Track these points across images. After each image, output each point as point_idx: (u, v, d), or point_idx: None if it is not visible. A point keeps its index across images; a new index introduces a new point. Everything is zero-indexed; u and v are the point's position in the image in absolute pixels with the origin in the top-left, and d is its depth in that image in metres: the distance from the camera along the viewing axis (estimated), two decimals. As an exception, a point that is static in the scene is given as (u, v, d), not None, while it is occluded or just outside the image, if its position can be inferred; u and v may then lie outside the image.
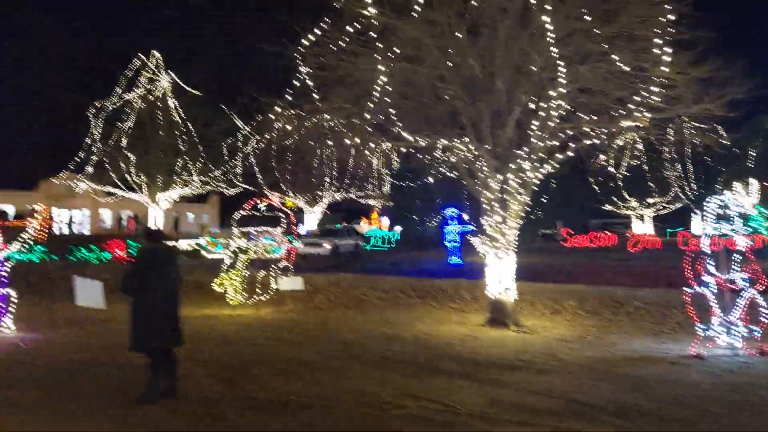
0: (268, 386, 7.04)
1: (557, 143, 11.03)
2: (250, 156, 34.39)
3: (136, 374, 7.21)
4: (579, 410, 6.19)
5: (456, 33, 10.29)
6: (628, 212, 44.66)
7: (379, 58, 9.80)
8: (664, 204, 43.48)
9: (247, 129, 33.81)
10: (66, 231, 41.32)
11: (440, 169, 12.97)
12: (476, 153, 10.86)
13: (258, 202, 14.33)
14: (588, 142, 11.06)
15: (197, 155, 34.08)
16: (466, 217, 24.74)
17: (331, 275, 15.20)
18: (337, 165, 34.53)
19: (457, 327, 11.26)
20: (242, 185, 35.53)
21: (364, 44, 10.72)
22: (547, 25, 8.64)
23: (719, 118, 12.87)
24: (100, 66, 34.06)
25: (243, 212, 13.07)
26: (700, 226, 31.84)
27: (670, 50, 9.25)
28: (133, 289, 6.39)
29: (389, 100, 10.03)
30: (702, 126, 14.82)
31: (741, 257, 8.81)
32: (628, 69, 9.73)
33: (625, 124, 10.30)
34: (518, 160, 10.70)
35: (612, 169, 38.32)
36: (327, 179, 35.55)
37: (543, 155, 10.96)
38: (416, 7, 10.01)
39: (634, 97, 9.70)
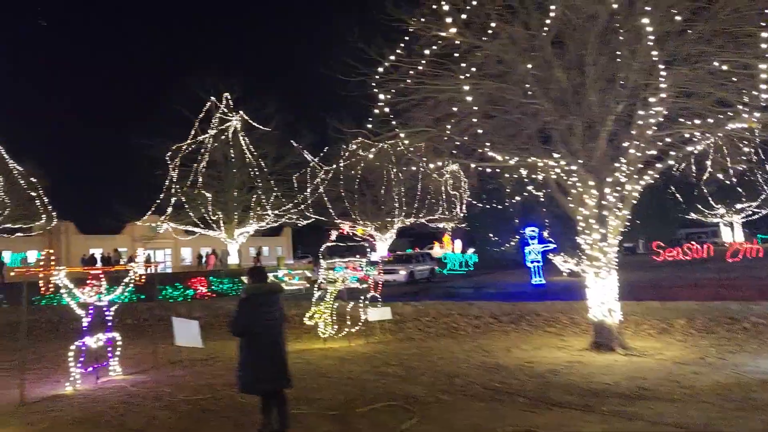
0: (380, 424, 6.78)
1: (655, 152, 10.40)
2: (320, 187, 34.86)
3: (247, 415, 7.15)
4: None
5: (540, 45, 9.94)
6: (716, 220, 42.20)
7: (463, 77, 9.54)
8: (753, 209, 40.88)
9: (315, 161, 34.39)
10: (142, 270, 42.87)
11: (528, 187, 12.49)
12: (569, 168, 10.38)
13: (344, 232, 14.24)
14: (690, 148, 10.36)
15: (270, 189, 34.90)
16: (545, 235, 23.92)
17: (419, 303, 14.88)
18: (408, 190, 34.41)
19: (558, 352, 10.68)
20: (313, 216, 36.02)
21: (442, 66, 10.53)
22: (647, 27, 8.14)
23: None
24: (175, 109, 35.55)
25: (329, 243, 12.95)
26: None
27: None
28: (239, 332, 6.30)
29: (475, 120, 9.74)
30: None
31: None
32: (728, 68, 9.06)
33: (732, 126, 9.57)
34: (615, 173, 10.15)
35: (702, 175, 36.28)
36: (397, 205, 35.44)
37: (641, 166, 10.35)
38: (493, 24, 9.78)
39: (744, 98, 8.99)
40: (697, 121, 9.69)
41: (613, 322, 10.51)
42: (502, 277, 27.86)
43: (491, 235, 34.06)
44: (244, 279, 21.30)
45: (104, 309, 9.65)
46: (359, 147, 28.99)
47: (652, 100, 9.15)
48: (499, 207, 17.55)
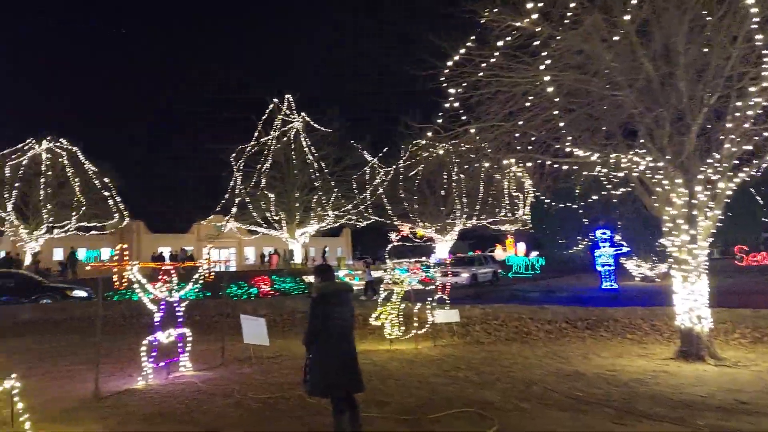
0: (457, 432, 6.43)
1: (751, 147, 9.59)
2: (379, 188, 34.75)
3: (315, 416, 6.95)
4: None
5: (624, 33, 9.33)
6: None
7: (542, 67, 9.05)
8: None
9: (375, 161, 34.34)
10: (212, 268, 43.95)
11: (606, 186, 11.82)
12: (655, 165, 9.70)
13: (403, 233, 13.96)
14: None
15: (330, 190, 35.10)
16: (617, 238, 22.87)
17: (487, 306, 14.41)
18: (470, 191, 33.85)
19: (641, 361, 10.02)
20: (373, 217, 35.98)
21: (516, 58, 10.07)
22: (752, 9, 7.45)
23: None
24: (240, 113, 36.37)
25: (394, 243, 12.68)
26: None
27: None
28: (317, 333, 6.03)
29: (555, 113, 9.22)
30: None
31: None
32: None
33: None
34: (706, 170, 9.41)
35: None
36: (458, 206, 34.90)
37: (736, 162, 9.57)
38: (570, 12, 9.25)
39: None
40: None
41: (703, 330, 9.77)
42: (571, 281, 26.91)
43: (558, 237, 32.99)
44: (307, 278, 21.35)
45: (175, 305, 9.70)
46: (420, 148, 28.75)
47: (752, 89, 8.41)
48: (573, 207, 16.77)
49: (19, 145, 35.07)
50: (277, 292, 24.30)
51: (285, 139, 35.52)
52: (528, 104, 10.09)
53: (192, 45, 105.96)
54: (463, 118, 10.73)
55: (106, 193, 36.12)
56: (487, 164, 11.44)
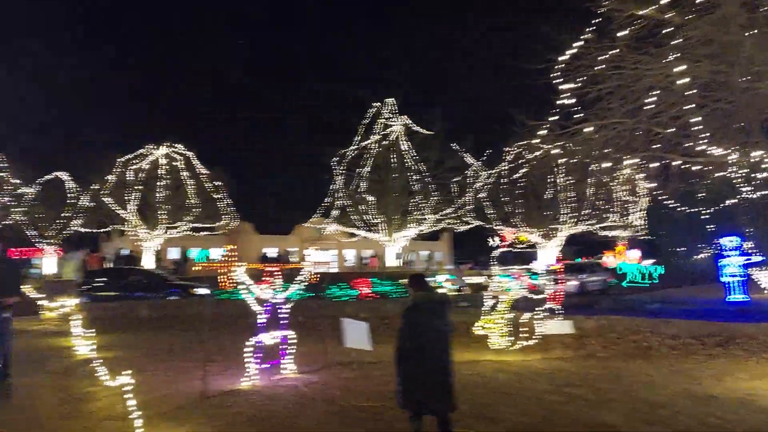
0: (579, 459, 5.79)
1: None
2: (480, 191, 33.91)
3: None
4: None
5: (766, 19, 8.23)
6: None
7: (672, 58, 8.16)
8: None
9: (477, 164, 33.60)
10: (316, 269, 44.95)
11: (741, 188, 10.57)
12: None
13: (505, 238, 13.28)
14: None
15: (429, 194, 34.75)
16: (746, 246, 20.72)
17: (603, 317, 13.40)
18: (579, 194, 32.17)
19: (785, 385, 8.79)
20: (473, 221, 35.17)
21: (639, 50, 9.19)
22: None
23: None
24: (341, 116, 37.02)
25: (502, 249, 12.06)
26: None
27: None
28: (408, 347, 5.66)
29: (689, 107, 8.29)
30: None
31: None
32: None
33: None
34: None
35: None
36: (564, 210, 33.29)
37: None
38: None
39: None
40: None
41: None
42: (692, 292, 24.82)
43: (678, 244, 30.57)
44: (404, 282, 21.05)
45: (279, 306, 9.70)
46: (529, 148, 27.68)
47: None
48: (701, 211, 15.31)
49: (140, 151, 37.66)
50: (377, 295, 24.28)
51: (386, 142, 35.63)
52: (653, 99, 9.18)
53: (294, 48, 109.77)
54: (580, 115, 9.99)
55: (217, 196, 37.93)
56: (606, 165, 10.57)
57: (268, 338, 9.40)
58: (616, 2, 9.04)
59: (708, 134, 8.65)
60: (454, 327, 6.00)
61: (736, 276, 19.99)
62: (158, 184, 36.65)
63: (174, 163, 37.37)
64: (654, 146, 9.51)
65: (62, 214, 39.14)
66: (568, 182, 31.06)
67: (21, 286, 8.44)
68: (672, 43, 8.38)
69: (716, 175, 10.09)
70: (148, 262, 36.10)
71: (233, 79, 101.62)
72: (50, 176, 39.23)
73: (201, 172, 37.48)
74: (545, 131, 10.23)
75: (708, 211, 15.10)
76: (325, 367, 10.43)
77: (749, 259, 20.09)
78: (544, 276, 12.12)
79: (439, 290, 22.29)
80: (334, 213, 35.23)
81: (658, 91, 9.13)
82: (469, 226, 35.87)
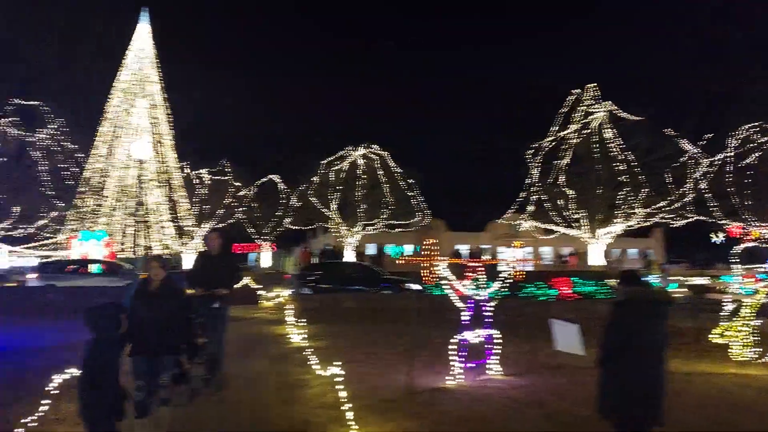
0: None
1: None
2: (701, 181, 30.03)
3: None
4: None
5: None
6: None
7: None
8: None
9: (696, 150, 29.82)
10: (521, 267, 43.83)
11: None
12: None
13: (732, 234, 11.24)
14: None
15: (639, 185, 31.62)
16: None
17: None
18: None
19: None
20: (693, 216, 31.27)
21: None
22: None
23: None
24: (531, 107, 35.50)
25: (746, 244, 10.24)
26: None
27: None
28: (616, 347, 4.90)
29: None
30: None
31: None
32: None
33: None
34: None
35: None
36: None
37: None
38: None
39: None
40: None
41: None
42: None
43: None
44: (610, 282, 19.15)
45: (482, 304, 9.21)
46: (756, 130, 23.90)
47: None
48: None
49: (340, 153, 39.99)
50: (579, 295, 22.65)
51: (587, 131, 33.30)
52: None
53: (485, 38, 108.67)
54: None
55: (411, 193, 38.81)
56: None
57: (472, 336, 8.96)
58: None
59: None
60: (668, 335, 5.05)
61: None
62: (357, 183, 38.55)
63: (371, 163, 39.03)
64: None
65: (276, 213, 43.14)
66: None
67: (235, 280, 8.60)
68: None
69: None
70: (348, 257, 38.09)
71: (424, 77, 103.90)
72: (265, 179, 43.47)
73: (395, 171, 38.63)
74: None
75: None
76: (532, 370, 9.71)
77: None
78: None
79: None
80: (530, 208, 33.87)
81: None
82: (686, 221, 32.02)
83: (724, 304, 10.33)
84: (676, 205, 30.41)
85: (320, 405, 7.29)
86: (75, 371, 5.38)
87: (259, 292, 20.34)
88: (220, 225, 42.84)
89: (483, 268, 9.31)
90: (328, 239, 44.05)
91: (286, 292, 19.45)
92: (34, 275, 23.04)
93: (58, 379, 5.91)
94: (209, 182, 43.43)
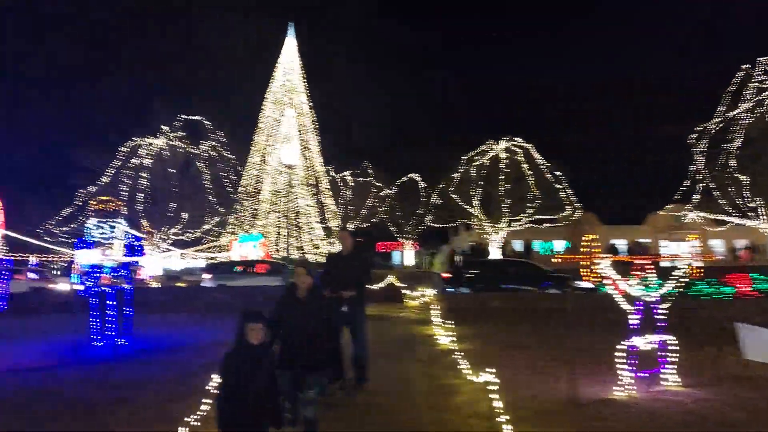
0: None
1: None
2: None
3: None
4: None
5: None
6: None
7: None
8: None
9: None
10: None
11: None
12: None
13: None
14: None
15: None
16: None
17: None
18: None
19: None
20: None
21: None
22: None
23: None
24: (695, 89, 32.04)
25: None
26: None
27: None
28: None
29: None
30: None
31: None
32: None
33: None
34: None
35: None
36: None
37: None
38: None
39: None
40: None
41: None
42: None
43: None
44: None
45: (652, 305, 8.16)
46: None
47: None
48: None
49: (481, 148, 39.13)
50: (761, 293, 19.94)
51: (761, 110, 29.42)
52: None
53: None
54: None
55: (558, 186, 36.96)
56: None
57: (643, 342, 7.96)
58: None
59: None
60: None
61: None
62: (500, 178, 37.46)
63: (514, 157, 37.74)
64: None
65: (417, 212, 43.33)
66: None
67: (365, 281, 8.20)
68: None
69: None
70: (493, 254, 37.13)
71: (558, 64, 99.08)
72: (405, 178, 43.85)
73: (541, 164, 37.02)
74: None
75: None
76: (715, 381, 8.48)
77: None
78: None
79: None
80: (695, 198, 30.65)
81: None
82: None
83: None
84: None
85: (473, 414, 6.81)
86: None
87: (403, 291, 20.32)
88: (364, 225, 43.93)
89: (652, 266, 8.26)
90: (472, 237, 43.36)
91: (431, 291, 19.18)
92: (208, 276, 24.92)
93: (218, 378, 6.01)
94: (352, 184, 44.72)
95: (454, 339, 11.32)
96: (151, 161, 37.46)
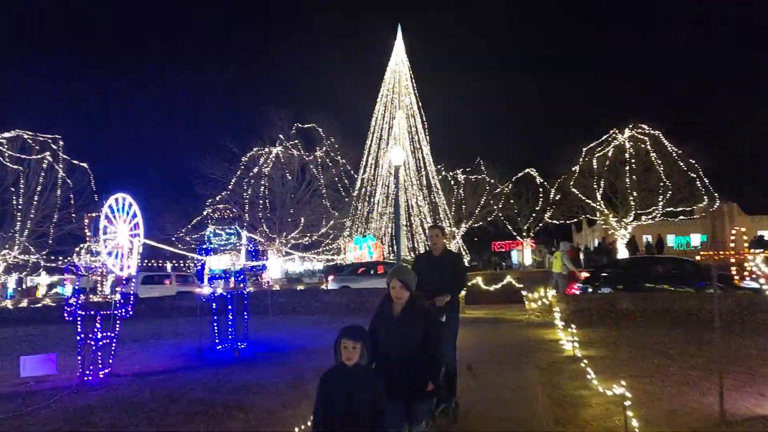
0: None
1: None
2: None
3: None
4: None
5: None
6: None
7: None
8: None
9: None
10: None
11: None
12: None
13: None
14: None
15: None
16: None
17: None
18: None
19: None
20: None
21: None
22: None
23: None
24: None
25: None
26: None
27: None
28: None
29: None
30: None
31: None
32: None
33: None
34: None
35: None
36: None
37: None
38: None
39: None
40: None
41: None
42: None
43: None
44: None
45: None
46: None
47: None
48: None
49: (604, 137, 36.78)
50: None
51: None
52: None
53: None
54: None
55: (693, 175, 33.94)
56: None
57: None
58: None
59: None
60: None
61: None
62: (625, 168, 35.05)
63: (640, 145, 35.16)
64: None
65: (534, 208, 41.66)
66: None
67: (459, 286, 7.11)
68: None
69: None
70: (621, 251, 34.77)
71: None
72: (521, 173, 42.33)
73: (672, 151, 34.16)
74: None
75: None
76: None
77: None
78: None
79: None
80: None
81: None
82: None
83: None
84: None
85: (604, 430, 6.07)
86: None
87: (522, 292, 19.40)
88: (479, 223, 42.94)
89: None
90: (596, 233, 40.99)
91: (552, 292, 18.12)
92: (332, 278, 25.60)
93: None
94: (464, 182, 43.94)
95: (579, 344, 10.41)
96: (269, 169, 39.05)
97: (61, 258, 28.13)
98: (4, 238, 33.94)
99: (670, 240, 40.09)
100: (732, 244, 7.36)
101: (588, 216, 39.39)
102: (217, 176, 39.55)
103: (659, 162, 34.00)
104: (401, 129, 47.68)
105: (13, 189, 33.57)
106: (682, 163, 33.63)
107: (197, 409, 7.15)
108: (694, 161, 33.95)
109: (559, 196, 38.63)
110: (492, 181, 42.83)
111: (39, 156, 33.48)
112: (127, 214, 9.25)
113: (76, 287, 9.57)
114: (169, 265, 28.40)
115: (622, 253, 34.34)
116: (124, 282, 9.50)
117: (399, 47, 50.56)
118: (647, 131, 35.19)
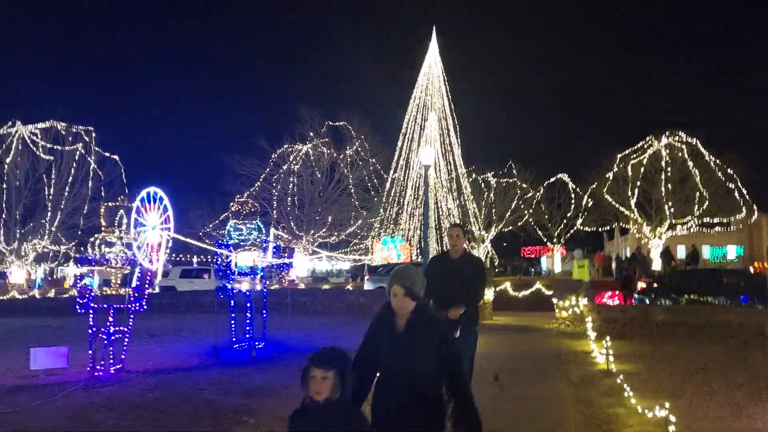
0: None
1: None
2: None
3: None
4: None
5: None
6: None
7: None
8: None
9: None
10: None
11: None
12: None
13: None
14: None
15: None
16: None
17: None
18: None
19: None
20: None
21: None
22: None
23: None
24: None
25: None
26: None
27: None
28: None
29: None
30: None
31: None
32: None
33: None
34: None
35: None
36: None
37: None
38: None
39: None
40: None
41: None
42: None
43: None
44: None
45: None
46: None
47: None
48: None
49: (639, 144, 35.72)
50: None
51: None
52: None
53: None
54: None
55: (731, 185, 32.70)
56: None
57: None
58: None
59: None
60: None
61: None
62: (661, 177, 33.96)
63: (677, 153, 34.04)
64: None
65: (566, 215, 40.66)
66: None
67: (476, 295, 6.12)
68: None
69: None
70: (655, 262, 33.66)
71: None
72: (553, 178, 41.39)
73: (710, 160, 32.98)
74: None
75: None
76: None
77: None
78: None
79: None
80: None
81: None
82: None
83: None
84: None
85: (642, 455, 5.53)
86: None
87: (553, 300, 18.73)
88: (509, 228, 42.11)
89: None
90: (629, 242, 39.84)
91: (584, 301, 17.41)
92: (367, 277, 25.51)
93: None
94: (495, 186, 43.17)
95: (614, 357, 9.78)
96: (298, 166, 38.89)
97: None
98: (35, 227, 34.48)
99: (705, 251, 38.71)
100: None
101: (622, 224, 38.29)
102: (248, 173, 39.57)
103: (697, 171, 32.88)
104: (432, 130, 47.13)
105: (45, 179, 34.12)
106: (720, 173, 32.46)
107: (205, 413, 6.79)
108: (732, 171, 32.75)
109: (591, 203, 37.65)
110: (524, 185, 41.98)
111: (72, 147, 33.92)
112: (158, 207, 9.13)
113: (78, 278, 9.39)
114: (195, 260, 28.44)
115: (657, 263, 33.23)
116: (150, 276, 9.30)
117: (433, 49, 50.03)
118: (684, 139, 34.09)
